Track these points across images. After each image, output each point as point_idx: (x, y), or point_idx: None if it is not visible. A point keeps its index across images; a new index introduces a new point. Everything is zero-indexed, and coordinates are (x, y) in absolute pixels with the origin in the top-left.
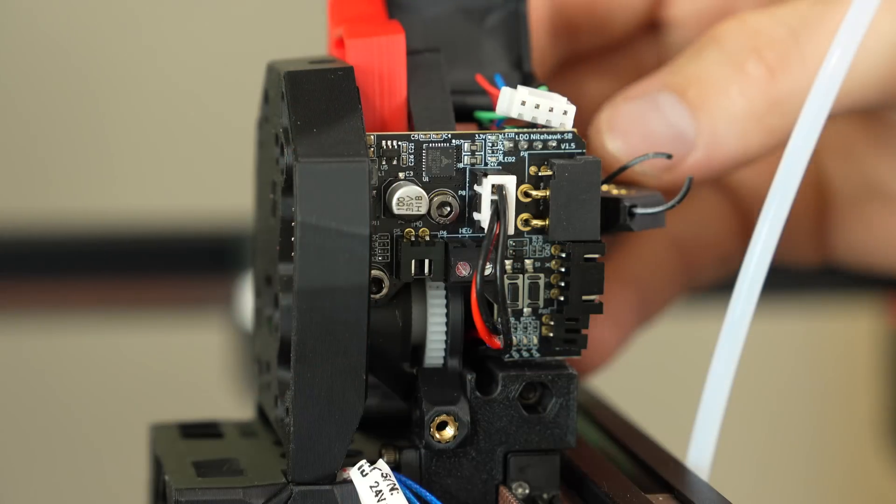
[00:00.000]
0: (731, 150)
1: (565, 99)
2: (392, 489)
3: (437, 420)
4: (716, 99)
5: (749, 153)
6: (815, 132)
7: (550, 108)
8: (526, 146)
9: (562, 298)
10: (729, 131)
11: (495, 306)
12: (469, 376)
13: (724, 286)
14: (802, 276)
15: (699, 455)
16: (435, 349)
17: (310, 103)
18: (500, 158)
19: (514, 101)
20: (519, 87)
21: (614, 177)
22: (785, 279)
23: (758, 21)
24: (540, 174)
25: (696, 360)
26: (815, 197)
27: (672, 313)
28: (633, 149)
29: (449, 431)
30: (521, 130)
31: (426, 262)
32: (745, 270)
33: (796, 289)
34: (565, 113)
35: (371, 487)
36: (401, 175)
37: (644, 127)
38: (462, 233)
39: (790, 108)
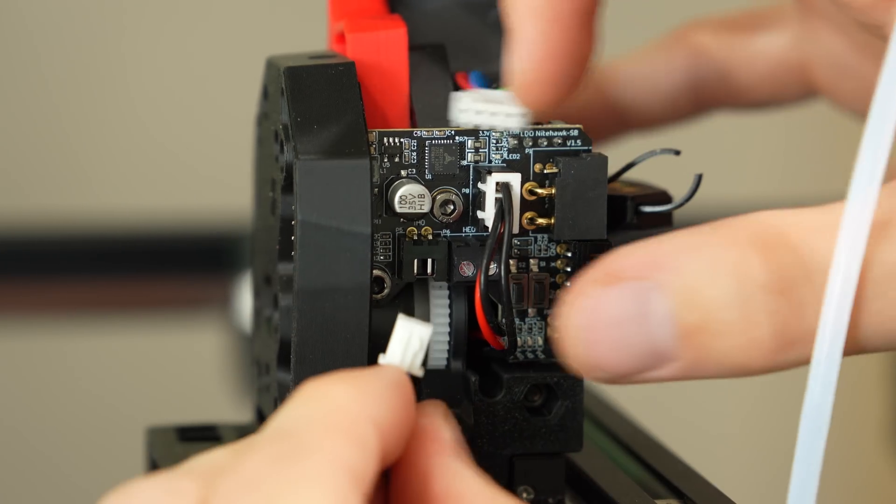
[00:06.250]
0: (716, 375)
1: (513, 99)
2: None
3: None
4: (712, 346)
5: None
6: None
7: (493, 113)
8: (531, 143)
9: None
10: (717, 372)
11: (499, 306)
12: (473, 378)
13: None
14: None
15: None
16: (438, 350)
17: (310, 99)
18: (505, 156)
19: (455, 109)
20: (459, 93)
21: (621, 174)
22: None
23: (787, 235)
24: (545, 172)
25: None
26: None
27: None
28: (592, 361)
29: None
30: (525, 127)
31: (429, 261)
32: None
33: None
34: (509, 116)
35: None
36: (403, 173)
37: (619, 335)
38: (466, 231)
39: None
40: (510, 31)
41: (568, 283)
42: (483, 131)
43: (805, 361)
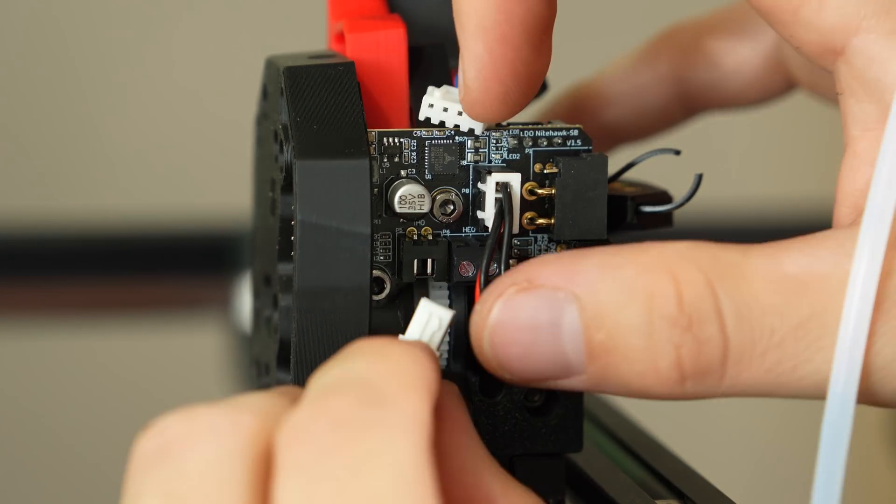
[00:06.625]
0: (621, 394)
1: None
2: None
3: None
4: (617, 367)
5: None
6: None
7: (460, 112)
8: (531, 143)
9: None
10: (621, 391)
11: None
12: (473, 378)
13: None
14: None
15: None
16: (438, 351)
17: (310, 99)
18: (505, 156)
19: (425, 104)
20: (432, 87)
21: (621, 174)
22: None
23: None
24: (545, 172)
25: None
26: None
27: None
28: (500, 362)
29: None
30: (525, 126)
31: (429, 261)
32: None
33: None
34: None
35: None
36: (403, 173)
37: (529, 340)
38: (466, 231)
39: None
40: (460, 45)
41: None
42: (483, 131)
43: (711, 395)
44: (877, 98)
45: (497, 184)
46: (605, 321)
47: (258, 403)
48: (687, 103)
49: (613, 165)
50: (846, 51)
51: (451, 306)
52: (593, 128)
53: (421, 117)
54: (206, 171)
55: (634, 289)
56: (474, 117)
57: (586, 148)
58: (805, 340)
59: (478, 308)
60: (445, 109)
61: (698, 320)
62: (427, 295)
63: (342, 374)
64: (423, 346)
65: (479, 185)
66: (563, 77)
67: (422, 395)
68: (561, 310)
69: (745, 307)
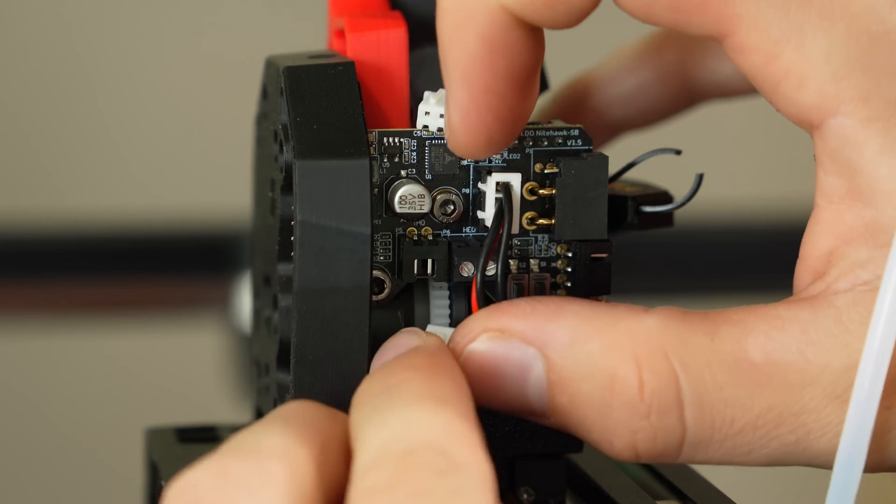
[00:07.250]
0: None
1: None
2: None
3: None
4: (576, 425)
5: None
6: None
7: None
8: (531, 143)
9: None
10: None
11: None
12: None
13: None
14: None
15: None
16: None
17: (310, 99)
18: (505, 155)
19: (421, 110)
20: (428, 93)
21: (621, 174)
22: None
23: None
24: (546, 172)
25: None
26: None
27: None
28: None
29: None
30: (526, 126)
31: (429, 261)
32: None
33: None
34: None
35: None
36: (403, 173)
37: (497, 385)
38: (466, 232)
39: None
40: (445, 88)
41: (569, 284)
42: None
43: (665, 462)
44: (846, 176)
45: (497, 184)
46: (568, 388)
47: (278, 446)
48: (691, 95)
49: (614, 165)
50: (823, 127)
51: (451, 306)
52: (595, 123)
53: (418, 125)
54: (206, 171)
55: (598, 366)
56: (460, 156)
57: (587, 148)
58: (763, 430)
59: (450, 348)
60: (442, 115)
61: (658, 409)
62: (427, 295)
63: (404, 432)
64: (452, 365)
65: (480, 184)
66: (561, 74)
67: (483, 447)
68: (529, 365)
69: (708, 398)
